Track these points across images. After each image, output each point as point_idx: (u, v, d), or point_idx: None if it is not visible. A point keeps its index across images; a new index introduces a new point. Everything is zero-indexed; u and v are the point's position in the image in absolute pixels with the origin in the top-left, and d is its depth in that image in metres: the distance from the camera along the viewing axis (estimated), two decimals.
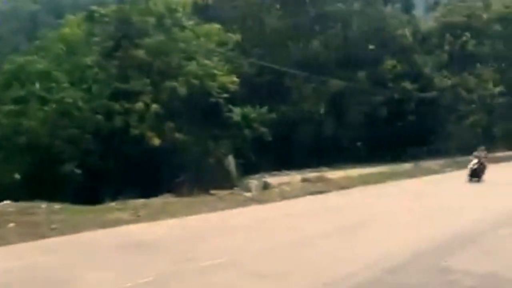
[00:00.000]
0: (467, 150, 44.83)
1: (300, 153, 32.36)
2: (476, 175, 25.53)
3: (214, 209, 17.67)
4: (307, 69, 32.40)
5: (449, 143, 44.48)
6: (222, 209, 17.86)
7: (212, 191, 22.87)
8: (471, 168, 25.77)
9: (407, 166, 35.44)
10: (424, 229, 13.54)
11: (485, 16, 44.47)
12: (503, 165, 35.71)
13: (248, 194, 21.61)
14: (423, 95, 38.54)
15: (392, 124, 38.63)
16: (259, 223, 15.16)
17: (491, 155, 41.64)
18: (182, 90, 25.60)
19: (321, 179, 25.60)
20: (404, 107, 39.23)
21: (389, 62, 36.80)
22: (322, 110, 34.41)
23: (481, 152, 26.95)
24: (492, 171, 28.77)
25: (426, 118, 40.00)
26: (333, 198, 21.30)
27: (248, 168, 28.67)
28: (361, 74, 36.29)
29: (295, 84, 33.72)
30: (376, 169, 32.89)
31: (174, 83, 25.55)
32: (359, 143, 39.45)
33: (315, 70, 32.88)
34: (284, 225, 14.41)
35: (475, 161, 26.03)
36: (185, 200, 19.74)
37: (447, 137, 43.43)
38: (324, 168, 31.73)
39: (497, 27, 45.29)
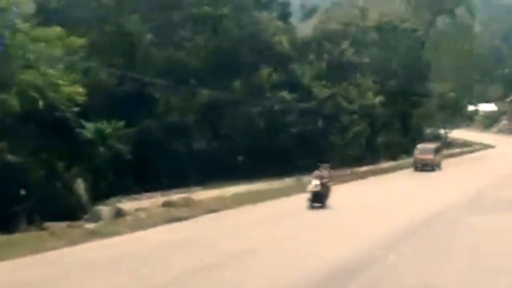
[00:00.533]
0: (351, 162, 43.92)
1: (168, 171, 28.64)
2: (319, 199, 20.44)
3: (37, 249, 13.65)
4: (174, 78, 28.86)
5: (334, 155, 42.78)
6: (49, 248, 13.84)
7: (47, 224, 18.67)
8: (312, 191, 20.38)
9: (289, 181, 32.90)
10: None
11: (362, 24, 43.37)
12: (372, 180, 34.06)
13: (90, 226, 17.57)
14: (303, 105, 36.39)
15: (274, 136, 36.16)
16: (68, 276, 11.24)
17: (373, 166, 40.70)
18: (14, 103, 21.04)
19: (187, 202, 22.03)
20: (285, 118, 36.90)
21: (265, 71, 34.19)
22: (190, 122, 30.91)
23: (324, 171, 21.62)
24: (351, 190, 27.74)
25: (309, 129, 37.99)
26: (193, 228, 17.76)
27: (106, 192, 24.62)
28: (236, 83, 33.37)
29: (160, 95, 30.06)
30: (256, 186, 30.02)
31: (3, 96, 20.93)
32: (240, 157, 36.49)
33: (184, 79, 29.44)
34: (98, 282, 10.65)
35: (317, 182, 20.61)
36: (3, 238, 15.47)
37: (332, 148, 41.67)
38: (196, 188, 28.32)
39: (374, 35, 44.40)
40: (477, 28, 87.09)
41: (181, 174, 29.13)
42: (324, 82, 38.24)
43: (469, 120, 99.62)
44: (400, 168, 40.59)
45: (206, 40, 33.09)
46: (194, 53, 32.02)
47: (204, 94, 31.08)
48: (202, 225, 18.16)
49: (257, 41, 35.21)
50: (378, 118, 45.94)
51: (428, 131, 64.75)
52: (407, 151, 53.81)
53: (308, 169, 38.39)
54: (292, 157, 39.78)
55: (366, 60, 42.32)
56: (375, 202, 22.88)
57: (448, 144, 72.92)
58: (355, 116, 39.60)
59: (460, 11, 64.00)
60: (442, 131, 73.61)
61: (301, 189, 28.58)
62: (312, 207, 20.26)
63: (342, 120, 39.39)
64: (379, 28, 47.65)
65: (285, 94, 34.75)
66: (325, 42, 40.19)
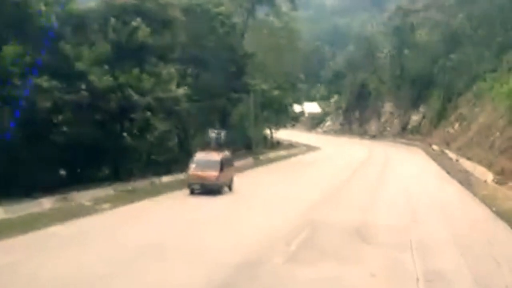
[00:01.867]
0: (161, 170, 35.05)
1: None
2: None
3: None
4: None
5: (127, 162, 33.37)
6: None
7: None
8: None
9: (48, 204, 22.86)
10: None
11: (163, 1, 34.32)
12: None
13: None
14: (76, 97, 26.47)
15: (36, 142, 25.81)
16: None
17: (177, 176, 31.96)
18: None
19: None
20: (50, 116, 26.69)
21: (11, 49, 23.65)
22: None
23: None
24: None
25: (90, 130, 28.21)
26: None
27: None
28: None
29: None
30: None
31: None
32: None
33: None
34: None
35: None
36: None
37: (124, 154, 32.23)
38: None
39: (178, 14, 35.69)
40: (300, 27, 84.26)
41: None
42: (107, 68, 28.55)
43: (295, 120, 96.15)
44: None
45: None
46: None
47: None
48: None
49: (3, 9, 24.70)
50: (188, 115, 37.44)
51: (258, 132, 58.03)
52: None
53: (104, 180, 29.65)
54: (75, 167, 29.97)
55: (168, 43, 33.34)
56: None
57: (274, 145, 67.38)
58: (149, 113, 30.45)
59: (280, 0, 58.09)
60: (267, 132, 68.28)
61: (70, 214, 18.91)
62: None
63: (136, 118, 30.20)
64: (186, 9, 39.17)
65: (46, 83, 24.49)
66: (111, 17, 30.54)
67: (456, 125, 63.89)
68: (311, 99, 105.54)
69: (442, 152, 58.15)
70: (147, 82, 29.72)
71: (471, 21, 69.95)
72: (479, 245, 17.19)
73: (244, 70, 47.55)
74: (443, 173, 41.27)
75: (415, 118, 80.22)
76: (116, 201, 24.06)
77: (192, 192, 26.78)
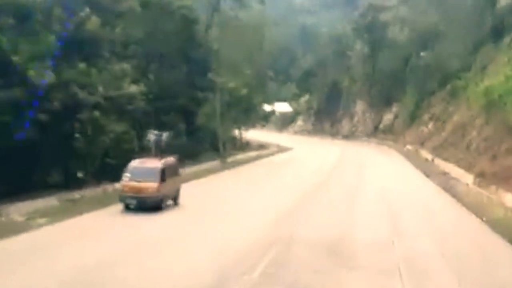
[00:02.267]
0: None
1: None
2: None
3: None
4: None
5: (79, 167, 29.96)
6: None
7: None
8: None
9: None
10: None
11: None
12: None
13: None
14: (12, 95, 22.99)
15: None
16: None
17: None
18: None
19: None
20: None
21: None
22: None
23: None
24: None
25: (30, 132, 24.66)
26: None
27: None
28: None
29: None
30: None
31: None
32: None
33: None
34: None
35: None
36: None
37: (75, 158, 28.83)
38: None
39: (137, 8, 32.33)
40: (269, 25, 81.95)
41: None
42: (50, 63, 25.02)
43: (265, 120, 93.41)
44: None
45: None
46: None
47: None
48: None
49: None
50: (147, 115, 34.12)
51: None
52: (193, 155, 43.36)
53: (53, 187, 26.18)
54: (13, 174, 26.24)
55: (122, 37, 29.91)
56: None
57: (243, 146, 64.39)
58: (97, 113, 26.95)
59: None
60: (237, 132, 65.15)
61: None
62: None
63: (82, 119, 26.72)
64: (145, 0, 35.81)
65: None
66: (55, 7, 26.99)
67: (430, 124, 61.74)
68: (282, 98, 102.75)
69: (417, 152, 55.90)
70: (97, 79, 26.26)
71: (444, 18, 67.96)
72: (478, 268, 14.34)
73: (209, 67, 44.34)
74: (421, 175, 38.70)
75: (388, 117, 77.96)
76: (56, 215, 20.55)
77: (127, 208, 21.89)
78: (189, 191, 25.12)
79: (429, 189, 32.03)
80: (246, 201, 25.49)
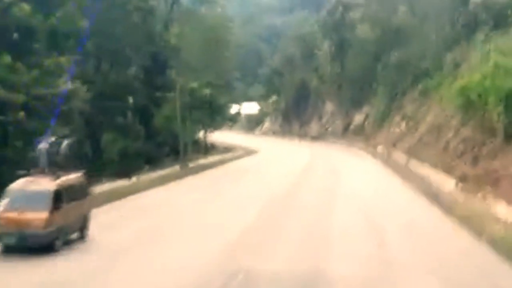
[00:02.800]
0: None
1: None
2: None
3: None
4: None
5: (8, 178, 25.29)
6: None
7: None
8: None
9: None
10: None
11: None
12: None
13: None
14: None
15: None
16: None
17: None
18: None
19: None
20: None
21: None
22: None
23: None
24: None
25: None
26: None
27: None
28: None
29: None
30: None
31: None
32: None
33: None
34: None
35: None
36: None
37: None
38: None
39: None
40: (236, 24, 78.48)
41: None
42: None
43: (232, 121, 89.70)
44: None
45: None
46: None
47: None
48: None
49: None
50: (93, 116, 29.77)
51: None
52: (152, 160, 39.43)
53: None
54: None
55: (61, 27, 25.45)
56: None
57: (208, 149, 60.34)
58: (21, 114, 22.46)
59: None
60: (201, 135, 61.20)
61: None
62: None
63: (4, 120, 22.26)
64: None
65: None
66: None
67: (403, 125, 58.62)
68: (250, 99, 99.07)
69: (390, 154, 52.63)
70: (24, 75, 21.79)
71: (415, 15, 65.09)
72: None
73: (169, 65, 40.05)
74: (399, 181, 35.12)
75: (357, 118, 74.61)
76: None
77: (7, 249, 15.45)
78: (128, 208, 20.69)
79: (411, 199, 28.42)
80: (201, 216, 21.36)
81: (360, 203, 25.95)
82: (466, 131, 38.29)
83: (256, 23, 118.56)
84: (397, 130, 59.29)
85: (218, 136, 68.29)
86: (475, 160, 33.36)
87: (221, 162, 47.54)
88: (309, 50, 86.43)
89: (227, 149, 62.30)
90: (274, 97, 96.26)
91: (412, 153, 47.41)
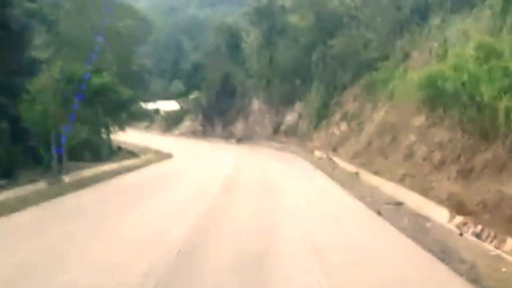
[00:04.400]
0: None
1: None
2: None
3: None
4: None
5: None
6: None
7: None
8: None
9: None
10: None
11: None
12: None
13: None
14: None
15: None
16: None
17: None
18: None
19: None
20: None
21: None
22: None
23: None
24: None
25: None
26: None
27: None
28: None
29: None
30: None
31: None
32: None
33: None
34: None
35: None
36: None
37: None
38: None
39: None
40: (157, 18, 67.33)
41: None
42: None
43: (149, 120, 77.38)
44: None
45: None
46: None
47: None
48: None
49: None
50: None
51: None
52: (27, 164, 27.50)
53: None
54: None
55: None
56: None
57: (112, 153, 47.17)
58: None
59: None
60: (103, 136, 48.17)
61: None
62: None
63: None
64: None
65: None
66: None
67: (344, 126, 47.88)
68: (170, 96, 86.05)
69: (331, 160, 41.46)
70: None
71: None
72: None
73: (31, 40, 26.52)
74: (360, 206, 23.00)
75: (289, 117, 63.11)
76: None
77: None
78: None
79: (394, 244, 16.50)
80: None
81: (311, 247, 13.95)
82: (439, 133, 27.62)
83: (177, 16, 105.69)
84: (337, 131, 48.56)
85: (130, 137, 55.98)
86: (467, 175, 22.50)
87: (117, 173, 34.41)
88: (234, 41, 74.53)
89: (131, 153, 49.27)
90: (195, 93, 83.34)
91: (360, 160, 36.60)
